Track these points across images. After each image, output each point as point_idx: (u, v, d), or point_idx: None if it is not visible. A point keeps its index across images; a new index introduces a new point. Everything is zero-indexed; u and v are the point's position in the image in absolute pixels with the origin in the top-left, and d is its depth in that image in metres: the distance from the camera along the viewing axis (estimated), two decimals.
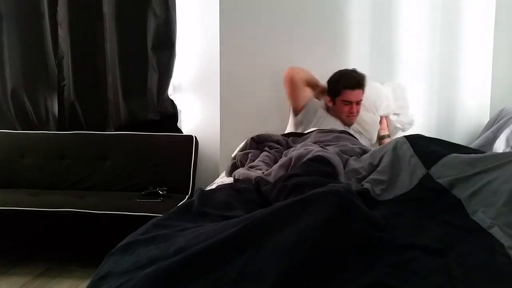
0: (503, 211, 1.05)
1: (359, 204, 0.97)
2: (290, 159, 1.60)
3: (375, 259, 0.85)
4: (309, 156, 1.54)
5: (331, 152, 1.62)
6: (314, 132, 2.07)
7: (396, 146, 1.51)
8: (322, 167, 1.42)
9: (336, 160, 1.55)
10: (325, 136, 1.98)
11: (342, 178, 1.49)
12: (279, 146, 1.95)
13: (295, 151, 1.68)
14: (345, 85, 2.19)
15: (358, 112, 2.26)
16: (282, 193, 1.28)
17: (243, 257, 0.82)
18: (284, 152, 1.85)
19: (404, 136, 1.58)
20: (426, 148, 1.44)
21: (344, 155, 1.73)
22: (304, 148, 1.71)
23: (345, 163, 1.67)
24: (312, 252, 0.82)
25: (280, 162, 1.66)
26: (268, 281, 0.75)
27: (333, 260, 0.83)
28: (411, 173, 1.39)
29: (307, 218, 0.88)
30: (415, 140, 1.50)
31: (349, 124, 2.30)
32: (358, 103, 2.21)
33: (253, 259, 0.82)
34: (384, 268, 0.81)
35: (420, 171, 1.37)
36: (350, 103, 2.19)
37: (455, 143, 1.61)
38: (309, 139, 1.98)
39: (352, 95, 2.18)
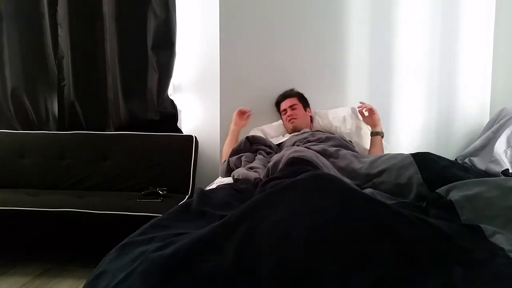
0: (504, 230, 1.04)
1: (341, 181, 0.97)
2: (268, 169, 1.60)
3: (377, 248, 0.85)
4: (283, 161, 1.52)
5: (304, 150, 1.62)
6: (288, 138, 2.30)
7: (402, 167, 1.53)
8: (297, 167, 1.40)
9: (311, 155, 1.54)
10: (301, 135, 2.20)
11: (327, 169, 1.49)
12: (271, 151, 1.99)
13: (271, 161, 1.67)
14: (278, 100, 2.62)
15: (297, 114, 2.48)
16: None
17: (233, 248, 0.81)
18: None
19: (411, 155, 1.59)
20: (436, 176, 1.43)
21: (331, 148, 1.82)
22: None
23: (336, 154, 1.74)
24: (307, 237, 0.81)
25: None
26: (265, 275, 0.75)
27: (329, 246, 0.82)
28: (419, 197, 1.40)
29: (291, 203, 0.88)
30: (424, 163, 1.50)
31: (294, 127, 2.45)
32: (293, 107, 2.50)
33: (245, 248, 0.81)
34: (386, 262, 0.81)
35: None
36: (285, 110, 2.52)
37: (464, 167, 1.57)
38: (287, 144, 2.16)
39: (284, 104, 2.54)
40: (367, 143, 2.47)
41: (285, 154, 1.56)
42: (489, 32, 2.74)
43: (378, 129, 2.41)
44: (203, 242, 0.82)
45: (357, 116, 2.55)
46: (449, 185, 1.27)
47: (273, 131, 2.58)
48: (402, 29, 2.68)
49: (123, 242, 0.97)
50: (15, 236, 2.47)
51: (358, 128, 2.50)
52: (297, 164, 1.42)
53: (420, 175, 1.45)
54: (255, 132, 2.53)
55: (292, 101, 2.52)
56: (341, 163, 1.71)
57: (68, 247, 2.45)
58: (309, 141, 2.09)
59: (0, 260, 2.23)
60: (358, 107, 2.49)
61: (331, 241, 0.81)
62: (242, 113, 2.48)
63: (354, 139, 2.44)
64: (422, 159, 1.53)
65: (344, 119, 2.52)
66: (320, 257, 0.78)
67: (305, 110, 2.54)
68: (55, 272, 2.11)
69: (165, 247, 0.86)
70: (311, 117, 2.58)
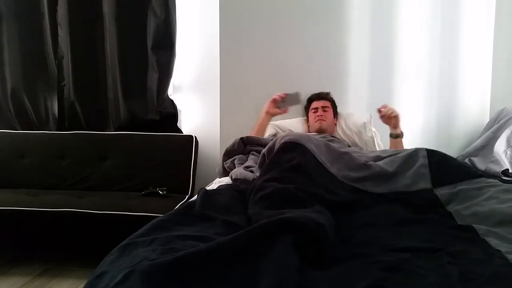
0: (499, 228, 1.04)
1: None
2: (263, 154, 1.58)
3: (369, 263, 0.86)
4: (277, 146, 1.51)
5: (297, 134, 1.61)
6: None
7: (414, 151, 1.54)
8: (289, 162, 1.39)
9: (304, 138, 1.52)
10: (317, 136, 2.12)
11: (321, 153, 1.47)
12: None
13: (267, 146, 1.64)
14: (311, 98, 2.60)
15: (326, 117, 2.45)
16: (253, 205, 1.24)
17: (241, 266, 0.82)
18: None
19: (426, 148, 1.60)
20: (441, 165, 1.44)
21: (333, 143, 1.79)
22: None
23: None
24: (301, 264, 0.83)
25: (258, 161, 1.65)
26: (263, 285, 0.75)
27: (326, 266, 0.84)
28: (414, 179, 1.40)
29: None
30: (434, 153, 1.52)
31: (320, 129, 2.40)
32: (324, 109, 2.48)
33: (249, 267, 0.82)
34: (379, 272, 0.81)
35: (424, 184, 1.38)
36: (316, 109, 2.49)
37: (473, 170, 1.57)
38: None
39: (316, 103, 2.52)
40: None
41: (278, 139, 1.55)
42: (489, 32, 2.74)
43: (397, 131, 2.31)
44: (209, 255, 0.82)
45: (371, 124, 2.54)
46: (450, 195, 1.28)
47: (290, 127, 2.56)
48: (403, 29, 2.69)
49: (124, 242, 0.97)
50: (15, 236, 2.48)
51: (376, 135, 2.49)
52: (288, 148, 1.44)
53: (427, 160, 1.48)
54: (268, 128, 2.53)
55: (325, 103, 2.50)
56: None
57: (68, 247, 2.46)
58: None
59: (0, 260, 2.24)
60: (381, 109, 2.33)
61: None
62: (274, 101, 2.39)
63: (371, 147, 2.42)
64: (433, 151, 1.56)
65: (364, 125, 2.50)
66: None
67: (334, 117, 2.52)
68: (55, 272, 2.11)
69: (168, 252, 0.86)
70: (335, 125, 2.55)
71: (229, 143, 2.48)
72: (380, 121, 2.54)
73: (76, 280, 2.02)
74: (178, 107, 2.73)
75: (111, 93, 2.69)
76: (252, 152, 1.97)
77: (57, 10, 2.67)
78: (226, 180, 1.83)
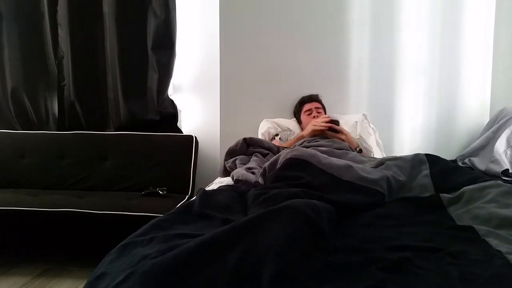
0: (499, 230, 1.04)
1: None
2: (264, 168, 1.56)
3: (369, 262, 0.86)
4: (280, 161, 1.48)
5: (300, 149, 1.59)
6: (304, 143, 2.23)
7: (415, 157, 1.55)
8: (292, 180, 1.36)
9: (308, 154, 1.48)
10: (314, 141, 2.17)
11: (323, 166, 1.45)
12: (269, 152, 1.97)
13: (269, 160, 1.61)
14: (301, 101, 2.62)
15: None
16: (255, 206, 1.23)
17: (237, 253, 0.82)
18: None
19: (425, 154, 1.59)
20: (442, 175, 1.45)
21: (338, 150, 1.84)
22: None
23: (343, 157, 1.74)
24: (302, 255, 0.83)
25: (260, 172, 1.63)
26: (265, 282, 0.75)
27: (324, 262, 0.84)
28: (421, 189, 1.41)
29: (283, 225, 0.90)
30: (434, 160, 1.53)
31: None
32: (318, 110, 2.51)
33: (248, 255, 0.81)
34: (379, 272, 0.81)
35: (429, 192, 1.39)
36: (310, 111, 2.52)
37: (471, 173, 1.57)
38: (297, 146, 2.12)
39: (310, 104, 2.54)
40: (376, 151, 2.42)
41: (282, 154, 1.55)
42: (489, 32, 2.74)
43: (354, 147, 2.20)
44: (206, 247, 0.82)
45: (368, 123, 2.54)
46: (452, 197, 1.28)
47: (287, 125, 2.59)
48: (403, 29, 2.69)
49: (123, 242, 0.97)
50: (15, 236, 2.48)
51: (368, 134, 2.49)
52: (294, 165, 1.42)
53: (428, 169, 1.48)
54: (266, 123, 2.55)
55: (317, 105, 2.54)
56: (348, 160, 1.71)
57: (68, 247, 2.46)
58: (316, 141, 2.10)
59: (0, 260, 2.24)
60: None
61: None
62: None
63: (364, 145, 2.38)
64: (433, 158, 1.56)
65: (356, 125, 2.50)
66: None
67: None
68: (55, 272, 2.11)
69: (167, 251, 0.86)
70: None
71: (229, 143, 2.48)
72: (377, 119, 2.54)
73: (76, 280, 2.02)
74: (178, 107, 2.73)
75: (111, 93, 2.69)
76: (255, 153, 1.96)
77: (57, 10, 2.67)
78: (226, 180, 1.83)
